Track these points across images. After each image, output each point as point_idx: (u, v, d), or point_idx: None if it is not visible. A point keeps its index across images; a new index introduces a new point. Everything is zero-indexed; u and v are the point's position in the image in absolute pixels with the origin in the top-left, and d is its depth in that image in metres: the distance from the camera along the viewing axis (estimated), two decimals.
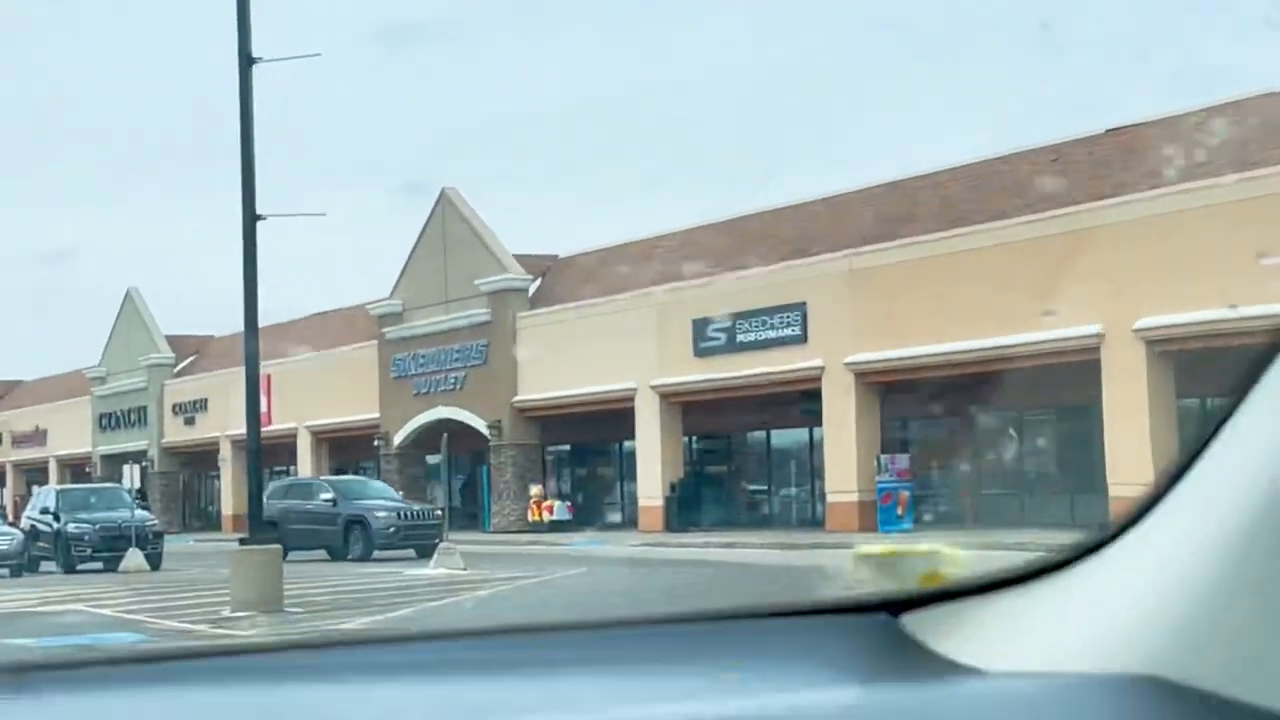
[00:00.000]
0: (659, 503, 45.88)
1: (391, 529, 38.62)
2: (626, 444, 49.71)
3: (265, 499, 31.08)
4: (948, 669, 1.61)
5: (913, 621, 1.74)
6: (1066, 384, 35.43)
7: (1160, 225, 32.40)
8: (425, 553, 35.21)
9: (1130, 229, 32.94)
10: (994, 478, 41.92)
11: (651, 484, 46.51)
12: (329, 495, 40.89)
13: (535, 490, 51.12)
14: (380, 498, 41.47)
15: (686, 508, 45.74)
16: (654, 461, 46.50)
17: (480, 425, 51.68)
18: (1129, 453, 32.78)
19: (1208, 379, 34.08)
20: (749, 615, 1.84)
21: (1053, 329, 34.23)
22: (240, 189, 23.96)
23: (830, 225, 43.06)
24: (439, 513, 39.73)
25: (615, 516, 51.91)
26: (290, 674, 1.72)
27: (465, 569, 30.85)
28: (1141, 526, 1.68)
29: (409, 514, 39.73)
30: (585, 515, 51.40)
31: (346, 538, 39.31)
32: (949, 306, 36.72)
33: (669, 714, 1.53)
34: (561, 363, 48.35)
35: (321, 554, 39.53)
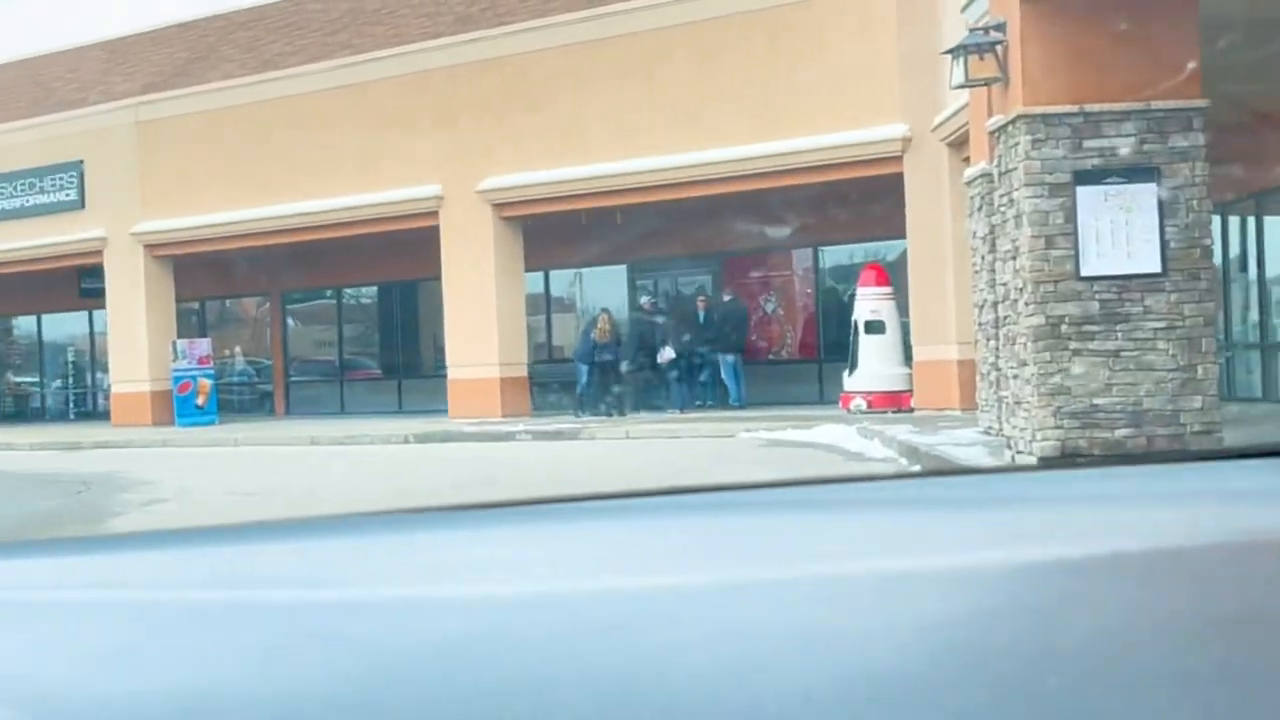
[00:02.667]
0: None
1: None
2: None
3: None
4: None
5: None
6: (406, 254, 30.87)
7: (506, 69, 28.24)
8: None
9: (472, 73, 28.63)
10: (310, 363, 36.98)
11: None
12: None
13: None
14: None
15: None
16: None
17: None
18: (473, 330, 28.65)
19: (552, 247, 30.45)
20: (1197, 457, 1.69)
21: (387, 190, 29.56)
22: None
23: (111, 71, 36.59)
24: None
25: None
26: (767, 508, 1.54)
27: None
28: None
29: None
30: None
31: None
32: (260, 164, 31.38)
33: (1139, 548, 1.32)
34: None
35: None
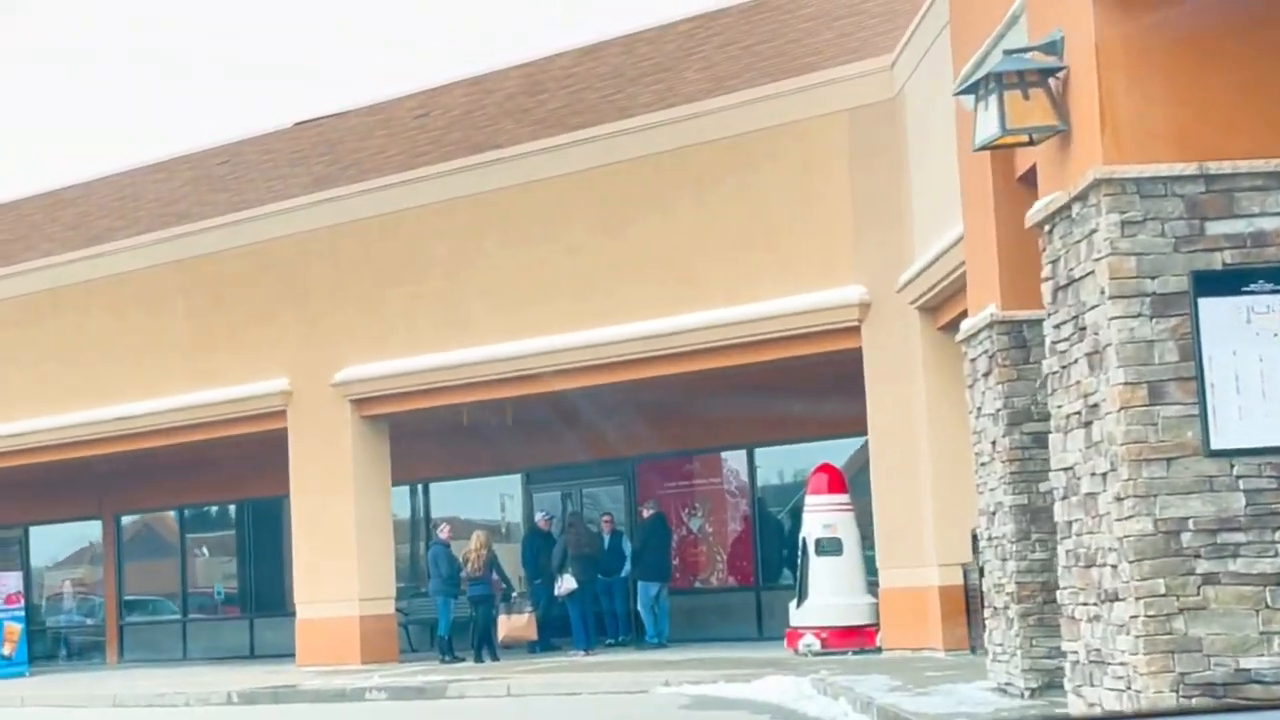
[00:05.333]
0: None
1: None
2: None
3: None
4: None
5: None
6: (259, 463, 25.18)
7: (368, 234, 23.04)
8: None
9: (327, 240, 23.41)
10: (150, 600, 31.03)
11: None
12: None
13: None
14: None
15: None
16: None
17: None
18: (327, 557, 23.06)
19: (427, 453, 25.08)
20: None
21: (226, 386, 24.12)
22: None
23: None
24: None
25: None
26: None
27: None
28: None
29: None
30: None
31: None
32: (82, 358, 25.93)
33: None
34: None
35: None
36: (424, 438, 24.67)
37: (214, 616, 29.75)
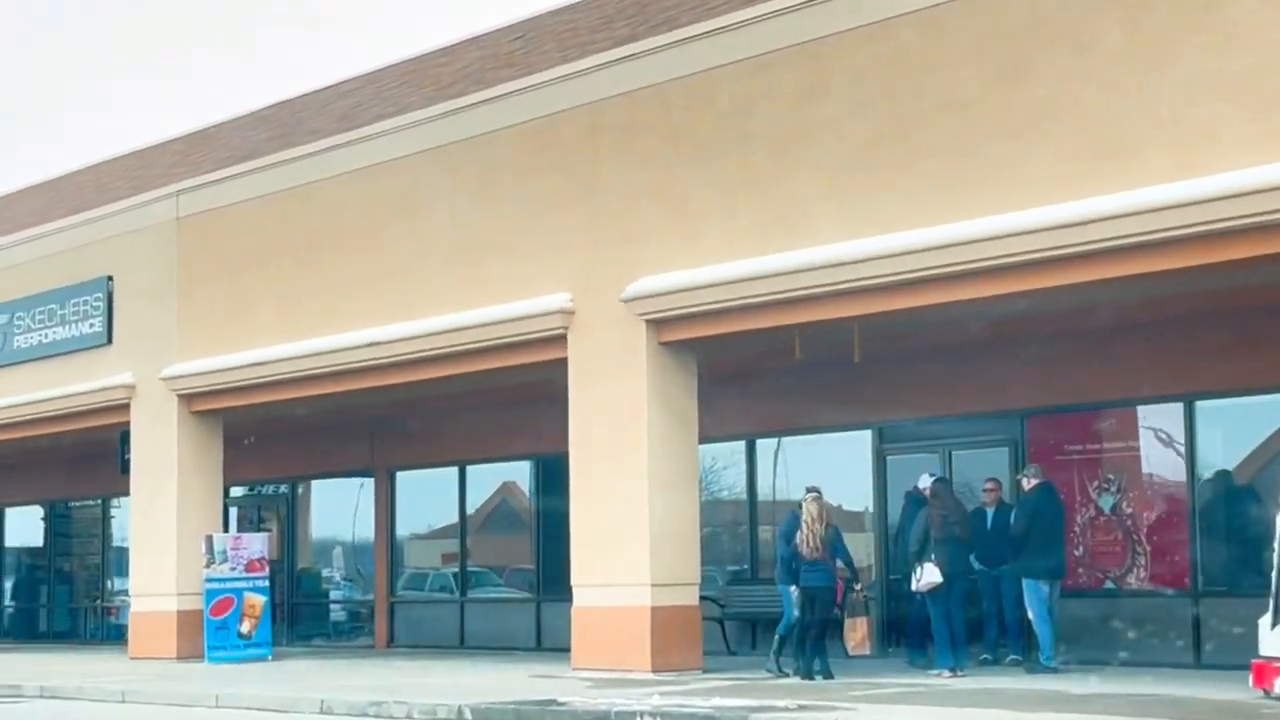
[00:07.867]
0: None
1: None
2: None
3: None
4: None
5: None
6: (546, 409, 19.67)
7: (673, 98, 17.36)
8: None
9: (623, 110, 17.83)
10: (427, 574, 26.06)
11: None
12: None
13: None
14: None
15: None
16: None
17: None
18: (612, 526, 17.58)
19: (750, 395, 19.40)
20: None
21: (495, 304, 18.84)
22: None
23: (181, 163, 26.94)
24: None
25: None
26: None
27: None
28: None
29: None
30: None
31: None
32: (340, 273, 21.06)
33: None
34: None
35: None
36: (747, 374, 19.00)
37: (495, 598, 24.60)
